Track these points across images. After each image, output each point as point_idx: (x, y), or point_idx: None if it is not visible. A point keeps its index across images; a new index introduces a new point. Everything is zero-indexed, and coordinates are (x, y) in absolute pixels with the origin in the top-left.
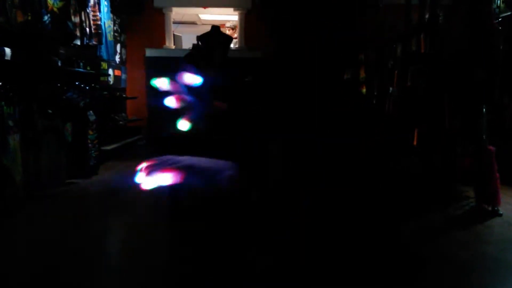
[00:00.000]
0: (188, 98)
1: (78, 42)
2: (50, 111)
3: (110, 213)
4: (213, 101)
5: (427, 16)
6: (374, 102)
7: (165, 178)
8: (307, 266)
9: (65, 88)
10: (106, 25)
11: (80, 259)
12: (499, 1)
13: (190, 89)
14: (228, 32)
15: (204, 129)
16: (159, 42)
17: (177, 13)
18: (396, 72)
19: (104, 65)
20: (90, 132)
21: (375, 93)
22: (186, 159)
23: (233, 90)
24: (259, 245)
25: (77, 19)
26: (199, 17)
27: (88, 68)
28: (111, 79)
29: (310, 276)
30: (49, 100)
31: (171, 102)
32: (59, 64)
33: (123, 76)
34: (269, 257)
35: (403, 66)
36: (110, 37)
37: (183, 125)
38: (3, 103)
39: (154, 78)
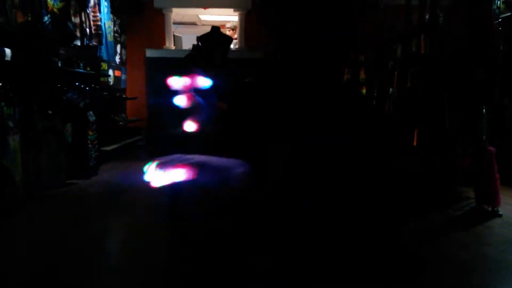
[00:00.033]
0: (198, 99)
1: (78, 43)
2: (50, 112)
3: (110, 213)
4: (217, 103)
5: (427, 17)
6: (374, 103)
7: (178, 174)
8: (307, 266)
9: (65, 88)
10: (106, 26)
11: (80, 259)
12: (499, 2)
13: (197, 90)
14: (228, 32)
15: (212, 130)
16: (159, 42)
17: (177, 13)
18: (396, 73)
19: (104, 65)
20: (90, 133)
21: (375, 94)
22: (197, 157)
23: (234, 90)
24: (259, 245)
25: (77, 20)
26: (199, 18)
27: (88, 69)
28: (111, 80)
29: (310, 276)
30: (49, 100)
31: (181, 101)
32: (59, 64)
33: (123, 77)
34: (269, 257)
35: (403, 67)
36: (110, 38)
37: (190, 126)
38: (3, 103)
39: (177, 76)
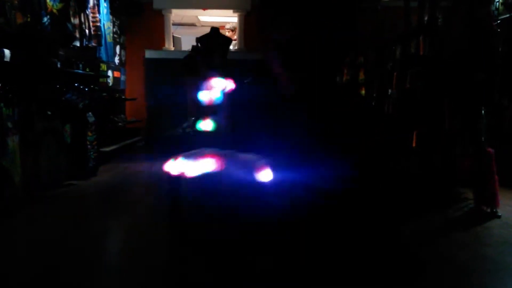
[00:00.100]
0: (218, 98)
1: (78, 44)
2: (49, 113)
3: (110, 213)
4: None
5: (426, 18)
6: (373, 103)
7: (208, 164)
8: (307, 266)
9: (64, 89)
10: (106, 27)
11: (80, 259)
12: (497, 3)
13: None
14: (227, 33)
15: (226, 129)
16: (159, 43)
17: (177, 14)
18: (395, 74)
19: (104, 66)
20: (89, 134)
21: (374, 95)
22: (222, 150)
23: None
24: (259, 244)
25: (76, 21)
26: (198, 19)
27: (87, 70)
28: (110, 81)
29: (310, 276)
30: (48, 101)
31: (205, 97)
32: (59, 65)
33: (122, 78)
34: (269, 257)
35: (402, 68)
36: (109, 39)
37: (207, 125)
38: (2, 104)
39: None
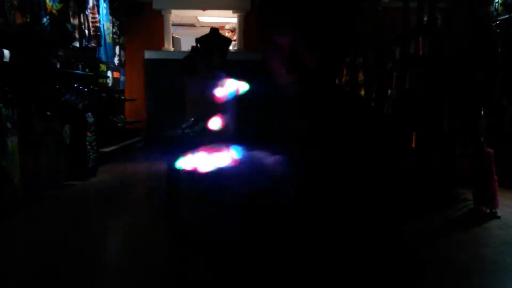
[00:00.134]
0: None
1: (77, 44)
2: (48, 113)
3: (110, 213)
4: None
5: (425, 18)
6: (373, 104)
7: (224, 158)
8: (307, 266)
9: (63, 90)
10: (105, 27)
11: (80, 259)
12: (497, 4)
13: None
14: (227, 34)
15: (234, 128)
16: (158, 44)
17: (176, 15)
18: (394, 74)
19: (103, 67)
20: (89, 134)
21: (374, 96)
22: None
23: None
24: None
25: (76, 21)
26: (198, 19)
27: (87, 70)
28: (109, 81)
29: (310, 276)
30: (47, 102)
31: (220, 93)
32: (58, 66)
33: (122, 78)
34: (269, 257)
35: (401, 69)
36: (109, 39)
37: (216, 123)
38: (1, 105)
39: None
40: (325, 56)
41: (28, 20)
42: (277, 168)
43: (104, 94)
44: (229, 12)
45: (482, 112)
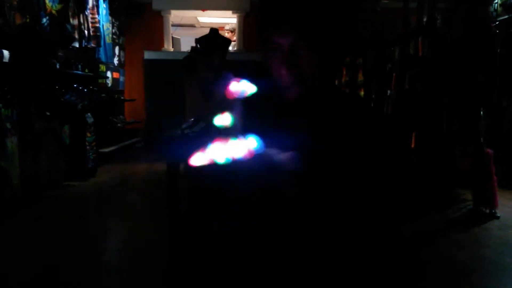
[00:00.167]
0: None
1: (77, 45)
2: (48, 113)
3: (109, 213)
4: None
5: (425, 19)
6: (372, 105)
7: (240, 149)
8: (307, 266)
9: (63, 90)
10: (105, 28)
11: (80, 259)
12: (496, 5)
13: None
14: (227, 34)
15: (239, 126)
16: (158, 44)
17: (176, 15)
18: (394, 75)
19: (103, 67)
20: (88, 135)
21: (373, 96)
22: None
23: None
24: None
25: (75, 22)
26: (197, 20)
27: (86, 71)
28: (109, 82)
29: (310, 276)
30: (47, 102)
31: (235, 88)
32: (58, 66)
33: (121, 79)
34: (269, 257)
35: (401, 69)
36: (108, 40)
37: (224, 119)
38: (1, 105)
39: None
40: (325, 56)
41: (28, 20)
42: (289, 165)
43: (103, 95)
44: (229, 13)
45: (481, 112)
